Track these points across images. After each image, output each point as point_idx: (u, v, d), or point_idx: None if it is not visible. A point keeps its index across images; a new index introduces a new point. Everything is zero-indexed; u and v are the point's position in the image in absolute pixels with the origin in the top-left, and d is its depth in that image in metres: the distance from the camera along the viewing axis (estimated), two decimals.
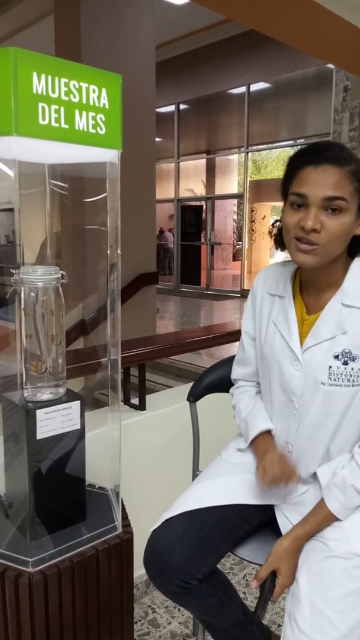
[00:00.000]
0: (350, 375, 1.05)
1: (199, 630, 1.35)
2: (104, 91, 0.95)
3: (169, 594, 1.11)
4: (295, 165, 1.05)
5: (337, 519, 1.06)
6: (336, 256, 1.05)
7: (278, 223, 1.15)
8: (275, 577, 1.05)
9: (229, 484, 1.18)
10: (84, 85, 0.92)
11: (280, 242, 1.13)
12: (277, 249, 1.18)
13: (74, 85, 0.91)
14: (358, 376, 1.04)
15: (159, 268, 7.71)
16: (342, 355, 1.05)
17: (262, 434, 1.20)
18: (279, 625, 1.66)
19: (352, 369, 1.04)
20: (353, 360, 1.05)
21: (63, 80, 0.89)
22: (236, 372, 1.34)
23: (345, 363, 1.05)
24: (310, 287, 1.13)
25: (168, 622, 1.72)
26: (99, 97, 0.94)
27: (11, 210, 0.96)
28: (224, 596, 1.15)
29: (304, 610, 0.97)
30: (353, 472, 1.05)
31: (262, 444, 1.19)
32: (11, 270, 1.02)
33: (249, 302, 1.27)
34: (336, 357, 1.06)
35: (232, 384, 1.37)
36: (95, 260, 1.19)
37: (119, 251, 1.09)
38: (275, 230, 1.16)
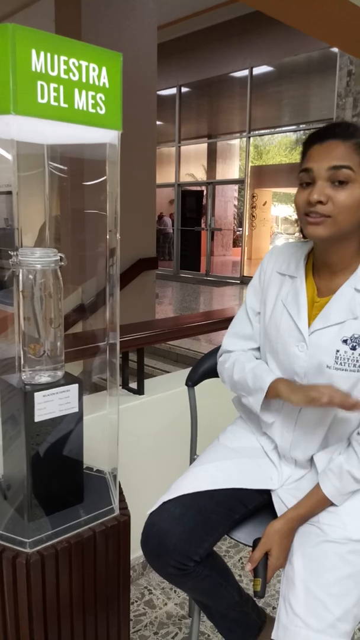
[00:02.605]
0: (357, 361, 1.04)
1: (195, 612, 1.36)
2: (104, 70, 0.93)
3: (166, 575, 1.12)
4: (304, 147, 1.06)
5: (331, 504, 1.07)
6: (350, 237, 1.04)
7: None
8: (267, 559, 1.06)
9: (226, 467, 1.19)
10: (83, 63, 0.90)
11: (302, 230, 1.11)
12: (305, 239, 1.16)
13: (73, 64, 0.89)
14: None
15: (159, 253, 7.67)
16: (351, 340, 1.05)
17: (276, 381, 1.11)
18: (274, 608, 1.68)
19: None
20: None
21: (62, 58, 0.87)
22: (233, 344, 1.27)
23: (354, 348, 1.04)
24: (323, 269, 1.12)
25: (164, 603, 1.75)
26: (99, 76, 0.93)
27: (10, 192, 0.95)
28: (220, 578, 1.17)
29: (298, 594, 0.98)
30: (350, 459, 1.06)
31: (284, 383, 1.10)
32: (9, 253, 1.01)
33: (256, 278, 1.25)
34: (345, 341, 1.05)
35: None
36: (94, 245, 1.18)
37: (118, 236, 1.08)
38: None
